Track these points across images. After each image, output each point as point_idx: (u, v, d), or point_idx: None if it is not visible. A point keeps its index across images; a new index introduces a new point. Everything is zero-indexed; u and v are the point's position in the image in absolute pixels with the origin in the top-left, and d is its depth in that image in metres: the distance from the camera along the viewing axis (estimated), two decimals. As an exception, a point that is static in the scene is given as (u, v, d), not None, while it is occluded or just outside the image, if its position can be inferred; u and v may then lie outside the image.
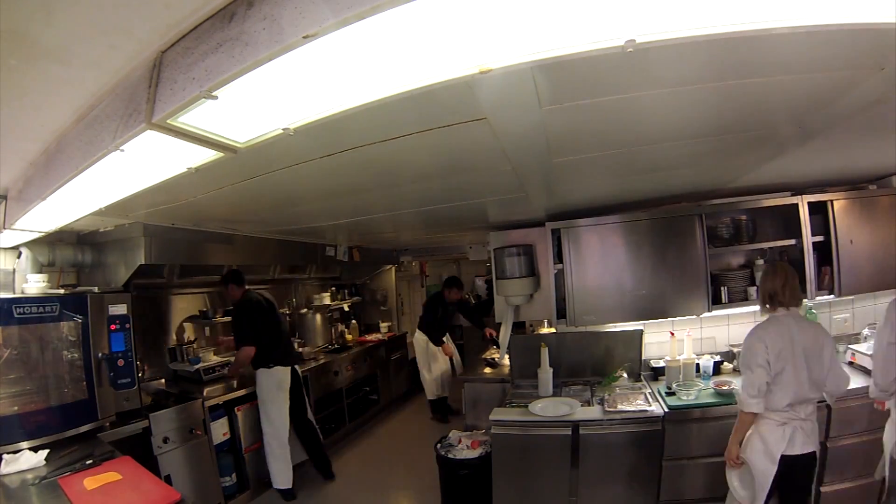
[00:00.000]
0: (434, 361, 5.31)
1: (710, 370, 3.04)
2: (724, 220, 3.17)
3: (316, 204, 2.61)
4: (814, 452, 2.12)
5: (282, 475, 3.65)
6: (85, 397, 2.59)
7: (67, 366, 2.56)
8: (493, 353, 4.27)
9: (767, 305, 2.22)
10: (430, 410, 5.47)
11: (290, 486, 3.68)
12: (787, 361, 2.09)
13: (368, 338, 5.98)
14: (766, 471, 2.10)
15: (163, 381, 3.79)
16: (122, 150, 1.24)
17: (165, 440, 3.00)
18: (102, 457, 2.22)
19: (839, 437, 2.59)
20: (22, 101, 1.29)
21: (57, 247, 2.84)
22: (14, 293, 2.71)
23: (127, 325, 2.83)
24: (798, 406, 2.10)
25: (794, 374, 2.08)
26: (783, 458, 2.08)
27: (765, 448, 2.12)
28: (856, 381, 2.66)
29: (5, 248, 2.72)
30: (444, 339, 5.45)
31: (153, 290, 3.85)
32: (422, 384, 5.49)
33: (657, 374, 3.17)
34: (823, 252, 2.92)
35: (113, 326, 2.77)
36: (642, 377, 3.19)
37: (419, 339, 5.34)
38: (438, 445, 3.28)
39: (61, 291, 2.70)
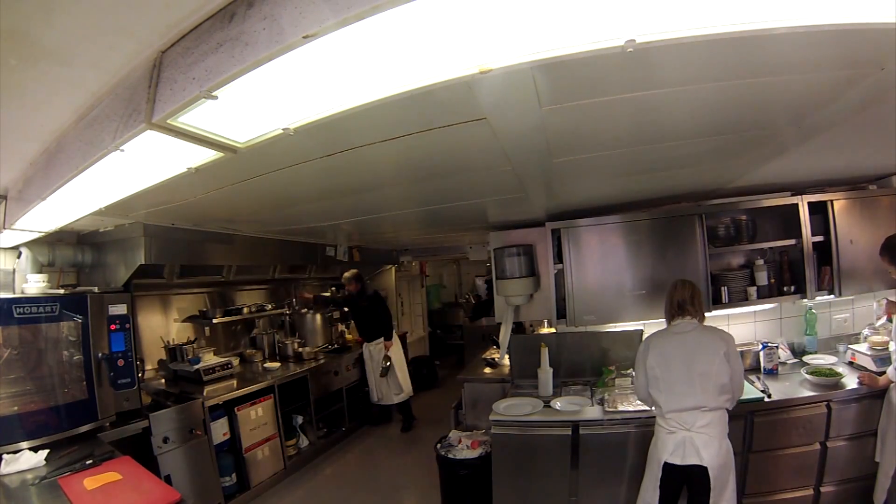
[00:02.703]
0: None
1: (710, 370, 3.03)
2: (724, 220, 3.17)
3: (316, 204, 2.61)
4: (701, 468, 2.08)
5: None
6: (85, 397, 2.59)
7: (67, 366, 2.56)
8: (493, 353, 4.26)
9: (674, 314, 2.34)
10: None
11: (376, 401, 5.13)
12: (668, 366, 2.19)
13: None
14: (653, 475, 2.21)
15: (163, 381, 3.79)
16: (122, 150, 1.24)
17: (165, 440, 3.00)
18: (102, 457, 2.22)
19: (839, 436, 2.59)
20: (22, 101, 1.29)
21: (57, 247, 2.84)
22: (14, 293, 2.71)
23: (127, 325, 2.83)
24: (684, 415, 2.13)
25: (673, 381, 2.17)
26: (668, 465, 2.15)
27: (655, 453, 2.24)
28: (856, 381, 2.67)
29: (5, 248, 2.72)
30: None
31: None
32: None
33: (657, 374, 3.16)
34: (823, 252, 2.92)
35: (113, 326, 2.77)
36: (642, 377, 3.18)
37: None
38: (438, 445, 3.28)
39: (61, 291, 2.70)
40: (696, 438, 2.10)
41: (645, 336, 2.36)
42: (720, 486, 2.12)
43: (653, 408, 2.32)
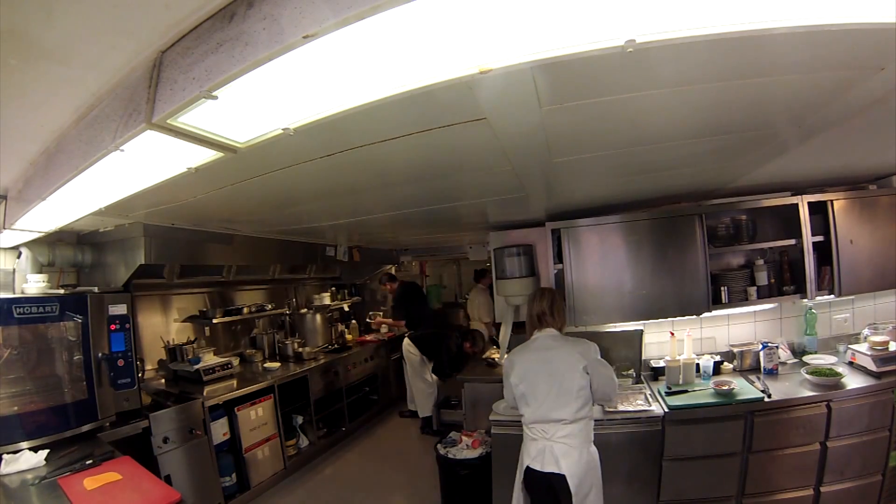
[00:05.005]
0: (427, 370, 5.06)
1: (710, 370, 3.03)
2: (724, 220, 3.17)
3: (316, 204, 2.61)
4: (559, 475, 2.13)
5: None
6: (85, 397, 2.59)
7: (67, 366, 2.56)
8: (493, 353, 4.27)
9: (534, 326, 2.38)
10: (423, 426, 5.09)
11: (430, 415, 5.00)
12: (532, 383, 2.23)
13: (368, 338, 5.98)
14: (518, 478, 2.31)
15: (163, 381, 3.79)
16: (122, 150, 1.24)
17: (165, 440, 3.00)
18: (102, 457, 2.22)
19: (839, 437, 2.59)
20: (22, 101, 1.29)
21: (57, 247, 2.84)
22: (14, 293, 2.71)
23: (127, 325, 2.83)
24: (546, 426, 2.19)
25: (537, 396, 2.22)
26: (530, 471, 2.21)
27: (520, 458, 2.32)
28: (856, 381, 2.67)
29: (5, 248, 2.72)
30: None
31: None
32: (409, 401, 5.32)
33: (657, 374, 3.16)
34: (823, 252, 2.91)
35: (113, 326, 2.77)
36: (642, 377, 3.19)
37: (412, 349, 5.07)
38: (439, 445, 3.29)
39: (61, 291, 2.70)
40: (556, 447, 2.16)
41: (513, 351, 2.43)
42: (582, 494, 2.16)
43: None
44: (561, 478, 2.13)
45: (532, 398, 2.23)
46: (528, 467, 2.22)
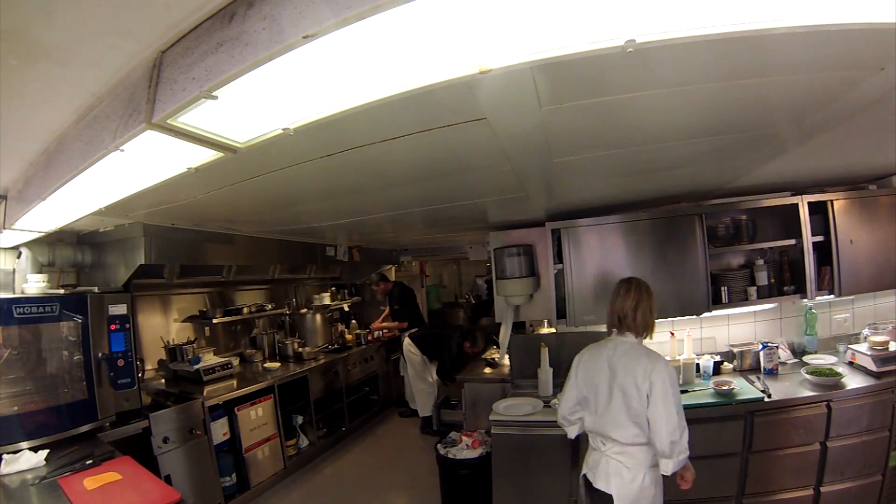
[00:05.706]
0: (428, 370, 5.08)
1: (710, 370, 3.03)
2: (724, 220, 3.17)
3: (316, 204, 2.61)
4: (607, 495, 1.91)
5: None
6: (85, 397, 2.59)
7: (67, 366, 2.56)
8: (493, 353, 4.27)
9: (612, 325, 2.09)
10: (423, 426, 5.09)
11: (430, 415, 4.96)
12: (594, 391, 2.02)
13: (368, 338, 5.97)
14: (581, 482, 2.11)
15: (163, 381, 3.79)
16: (122, 150, 1.24)
17: (165, 440, 3.00)
18: (102, 457, 2.22)
19: (839, 437, 2.59)
20: (22, 101, 1.29)
21: (57, 247, 2.84)
22: (14, 293, 2.71)
23: (127, 325, 2.83)
24: (602, 438, 2.00)
25: (598, 406, 2.00)
26: (585, 478, 2.06)
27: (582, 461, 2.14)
28: (856, 381, 2.67)
29: (5, 248, 2.72)
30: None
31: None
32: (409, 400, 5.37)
33: (657, 374, 3.16)
34: (823, 252, 2.91)
35: (113, 326, 2.77)
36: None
37: (413, 349, 5.12)
38: (439, 445, 3.28)
39: (61, 291, 2.70)
40: (611, 464, 1.94)
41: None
42: None
43: (572, 420, 2.18)
44: (609, 498, 1.91)
45: (593, 405, 2.03)
46: (584, 475, 2.08)
